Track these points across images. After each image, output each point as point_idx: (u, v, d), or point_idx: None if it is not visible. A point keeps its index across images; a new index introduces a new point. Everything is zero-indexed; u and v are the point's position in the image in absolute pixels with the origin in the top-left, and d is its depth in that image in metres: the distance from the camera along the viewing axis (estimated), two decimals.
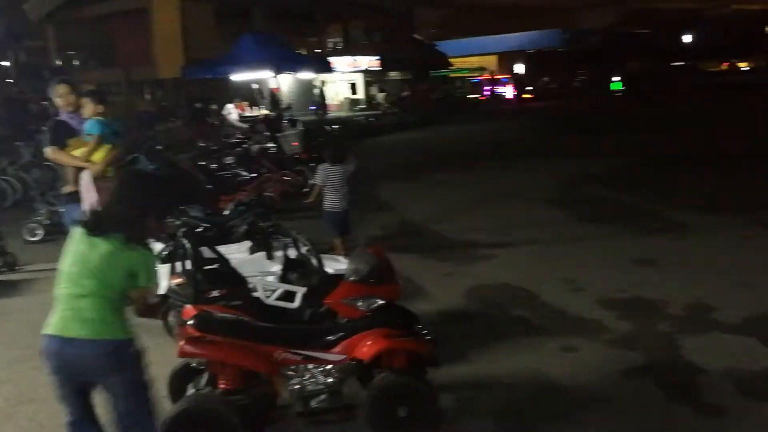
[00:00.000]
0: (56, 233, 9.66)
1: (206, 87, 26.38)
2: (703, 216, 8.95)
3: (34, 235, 9.51)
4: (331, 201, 7.46)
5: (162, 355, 4.09)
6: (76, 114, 6.18)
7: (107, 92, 6.42)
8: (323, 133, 17.49)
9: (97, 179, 5.85)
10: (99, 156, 5.98)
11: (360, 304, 3.84)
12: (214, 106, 23.51)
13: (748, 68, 54.55)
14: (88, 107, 6.06)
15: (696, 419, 4.03)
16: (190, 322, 3.75)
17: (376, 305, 3.86)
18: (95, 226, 3.01)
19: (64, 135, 6.07)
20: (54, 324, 2.98)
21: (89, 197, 5.80)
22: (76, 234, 3.05)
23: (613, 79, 40.23)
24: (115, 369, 2.98)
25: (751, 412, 4.08)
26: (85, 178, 5.92)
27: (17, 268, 8.17)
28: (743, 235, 7.93)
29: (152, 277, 3.09)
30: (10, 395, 4.73)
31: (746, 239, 7.78)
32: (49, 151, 6.11)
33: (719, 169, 12.69)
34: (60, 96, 6.15)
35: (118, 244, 2.96)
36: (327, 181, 7.46)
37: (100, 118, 6.04)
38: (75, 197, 6.00)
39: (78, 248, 3.01)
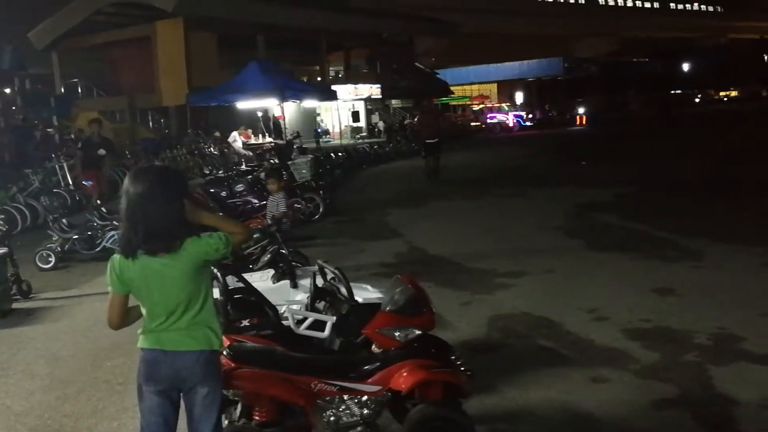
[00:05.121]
0: (68, 260, 9.64)
1: (210, 114, 26.52)
2: (718, 245, 8.87)
3: (47, 263, 9.44)
4: None
5: None
6: None
7: None
8: (331, 161, 17.55)
9: None
10: None
11: (397, 334, 3.79)
12: (216, 134, 23.63)
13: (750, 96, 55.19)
14: None
15: None
16: (225, 352, 3.70)
17: (412, 335, 3.82)
18: (153, 245, 2.93)
19: None
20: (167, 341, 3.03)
21: None
22: (131, 264, 2.95)
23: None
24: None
25: None
26: None
27: (31, 296, 8.11)
28: (762, 263, 7.86)
29: (226, 244, 3.03)
30: (35, 426, 4.63)
31: (766, 267, 7.72)
32: None
33: (728, 197, 12.68)
34: None
35: (184, 249, 2.95)
36: None
37: None
38: None
39: (154, 280, 2.97)
